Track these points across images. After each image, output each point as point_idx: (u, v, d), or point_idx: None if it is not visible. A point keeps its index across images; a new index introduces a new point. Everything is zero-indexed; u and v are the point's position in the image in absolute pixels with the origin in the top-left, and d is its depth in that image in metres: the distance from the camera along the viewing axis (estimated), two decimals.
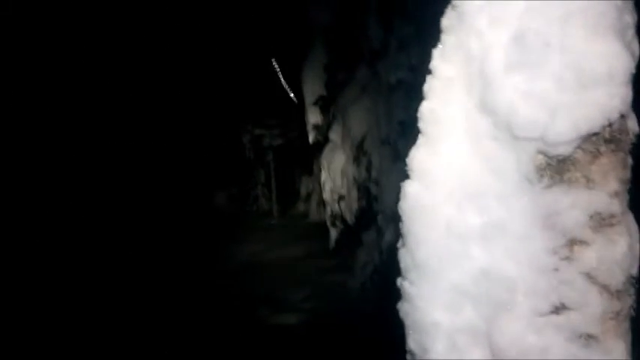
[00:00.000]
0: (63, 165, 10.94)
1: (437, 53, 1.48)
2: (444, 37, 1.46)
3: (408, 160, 1.51)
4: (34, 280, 8.02)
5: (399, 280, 1.54)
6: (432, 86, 1.48)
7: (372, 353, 5.49)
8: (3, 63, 9.22)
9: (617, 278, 1.31)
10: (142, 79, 12.66)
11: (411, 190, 1.48)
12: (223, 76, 13.81)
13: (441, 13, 1.50)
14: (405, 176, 1.56)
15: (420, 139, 1.50)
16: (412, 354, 1.49)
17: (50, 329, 6.53)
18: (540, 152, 1.32)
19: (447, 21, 1.45)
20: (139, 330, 6.56)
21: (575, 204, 1.31)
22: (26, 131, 10.02)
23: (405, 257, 1.51)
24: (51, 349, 6.09)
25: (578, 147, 1.30)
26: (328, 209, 8.54)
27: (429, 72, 1.50)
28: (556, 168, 1.33)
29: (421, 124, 1.49)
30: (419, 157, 1.48)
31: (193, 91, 13.81)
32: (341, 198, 8.04)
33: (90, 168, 11.61)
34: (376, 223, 6.87)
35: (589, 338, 1.32)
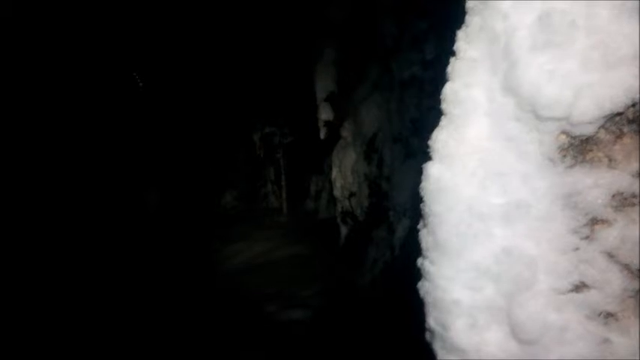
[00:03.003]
0: (69, 164, 10.98)
1: (461, 35, 1.49)
2: (467, 18, 1.47)
3: (431, 142, 1.53)
4: (40, 281, 8.07)
5: (419, 260, 1.55)
6: (455, 67, 1.49)
7: (381, 349, 5.51)
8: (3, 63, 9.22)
9: (637, 257, 1.32)
10: (152, 77, 12.72)
11: (434, 171, 1.50)
12: (233, 74, 13.84)
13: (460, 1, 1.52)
14: (420, 167, 1.58)
15: (443, 121, 1.51)
16: (432, 332, 1.50)
17: (58, 332, 6.56)
18: (563, 132, 1.34)
19: (471, 2, 1.47)
20: (149, 328, 6.61)
21: (597, 184, 1.32)
22: (30, 132, 10.01)
23: (426, 237, 1.53)
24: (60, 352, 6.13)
25: (602, 127, 1.32)
26: (339, 206, 8.55)
27: (453, 53, 1.51)
28: (579, 148, 1.34)
29: (444, 106, 1.51)
30: (441, 138, 1.50)
31: (204, 89, 13.85)
32: (352, 195, 8.04)
33: (98, 166, 11.66)
34: (387, 219, 6.88)
35: (608, 316, 1.33)
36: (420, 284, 1.54)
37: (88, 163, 11.41)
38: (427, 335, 1.53)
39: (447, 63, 1.56)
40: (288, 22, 11.10)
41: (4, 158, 9.45)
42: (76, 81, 10.99)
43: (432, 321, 1.49)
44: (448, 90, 1.50)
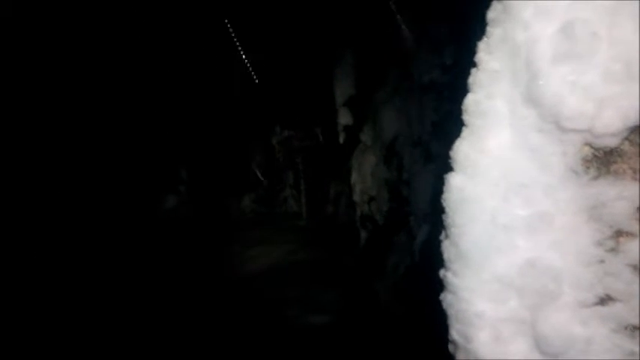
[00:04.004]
0: (86, 167, 11.06)
1: (482, 45, 1.49)
2: (489, 29, 1.47)
3: (452, 152, 1.53)
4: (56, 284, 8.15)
5: (442, 272, 1.55)
6: (476, 78, 1.49)
7: (402, 357, 5.49)
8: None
9: None
10: (172, 80, 12.80)
11: (456, 182, 1.50)
12: (253, 78, 13.91)
13: (484, 7, 1.52)
14: (442, 172, 1.58)
15: (465, 131, 1.51)
16: (455, 344, 1.50)
17: (75, 334, 6.63)
18: (587, 144, 1.33)
19: (492, 13, 1.46)
20: (168, 330, 6.65)
21: (622, 195, 1.31)
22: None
23: (448, 249, 1.53)
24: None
25: (625, 138, 1.30)
26: (358, 211, 8.54)
27: (474, 64, 1.51)
28: (602, 160, 1.33)
29: (465, 116, 1.50)
30: (463, 149, 1.50)
31: (224, 93, 13.93)
32: (371, 199, 8.03)
33: (114, 169, 11.74)
34: (407, 224, 6.85)
35: (634, 329, 1.32)
36: (442, 296, 1.54)
37: (106, 166, 11.50)
38: (450, 347, 1.53)
39: (467, 68, 1.56)
40: (308, 27, 11.13)
41: (12, 159, 9.54)
42: (94, 81, 11.07)
43: (455, 333, 1.49)
44: (470, 101, 1.50)
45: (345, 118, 8.95)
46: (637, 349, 1.31)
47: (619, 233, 1.32)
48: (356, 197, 8.46)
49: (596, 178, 1.33)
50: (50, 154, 10.15)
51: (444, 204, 1.53)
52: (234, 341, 6.36)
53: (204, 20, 12.40)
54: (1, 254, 8.06)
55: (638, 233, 1.31)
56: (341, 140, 9.13)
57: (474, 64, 1.51)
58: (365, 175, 8.17)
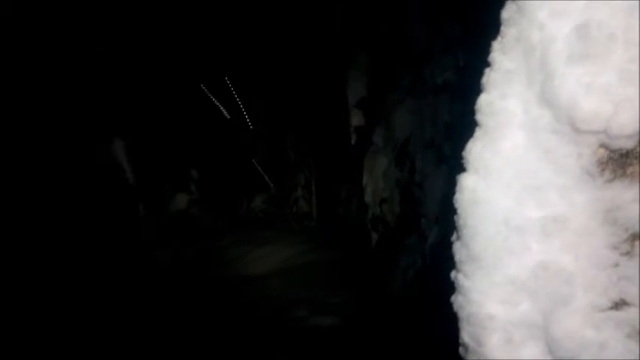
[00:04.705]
0: (97, 167, 11.12)
1: (496, 46, 1.47)
2: (503, 29, 1.46)
3: (465, 153, 1.51)
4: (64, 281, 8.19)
5: (453, 273, 1.54)
6: (490, 79, 1.47)
7: (411, 357, 5.46)
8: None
9: None
10: (182, 80, 12.85)
11: (468, 183, 1.48)
12: (265, 79, 13.92)
13: (499, 6, 1.50)
14: (454, 173, 1.57)
15: (478, 132, 1.50)
16: (465, 347, 1.49)
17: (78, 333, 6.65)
18: (602, 146, 1.31)
19: (506, 12, 1.45)
20: (175, 330, 6.67)
21: (638, 198, 1.29)
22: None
23: (459, 250, 1.51)
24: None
25: None
26: (369, 212, 8.51)
27: (487, 64, 1.49)
28: (618, 162, 1.31)
29: (479, 117, 1.49)
30: (476, 150, 1.48)
31: (236, 93, 13.96)
32: (383, 201, 8.01)
33: (124, 168, 11.80)
34: (419, 226, 6.83)
35: None
36: (453, 298, 1.53)
37: (117, 166, 11.56)
38: (461, 350, 1.52)
39: (480, 69, 1.55)
40: (320, 28, 11.12)
41: (20, 158, 9.59)
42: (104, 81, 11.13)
43: (465, 336, 1.48)
44: (483, 101, 1.48)
45: (357, 119, 8.94)
46: None
47: (634, 237, 1.30)
48: (367, 199, 8.44)
49: (611, 180, 1.31)
50: (57, 152, 10.23)
51: (456, 205, 1.52)
52: (242, 341, 6.36)
53: (214, 19, 12.44)
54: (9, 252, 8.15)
55: None
56: (353, 141, 9.12)
57: (487, 64, 1.50)
58: (377, 177, 8.15)
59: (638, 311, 1.29)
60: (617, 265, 1.31)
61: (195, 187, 13.80)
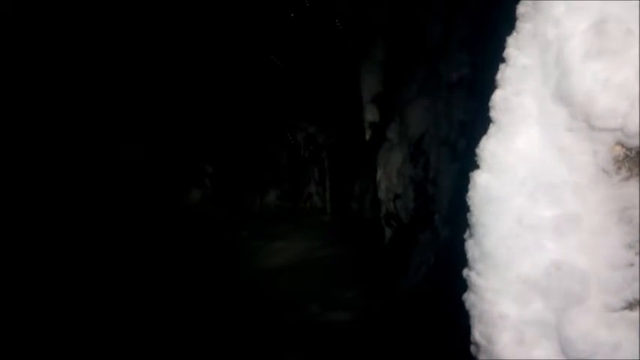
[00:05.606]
0: (110, 163, 11.18)
1: (511, 41, 1.45)
2: (518, 24, 1.44)
3: (479, 150, 1.49)
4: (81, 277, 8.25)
5: (465, 271, 1.52)
6: (505, 75, 1.45)
7: (423, 354, 5.44)
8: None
9: None
10: (198, 76, 12.88)
11: (481, 180, 1.47)
12: (280, 74, 13.93)
13: (514, 1, 1.48)
14: (467, 170, 1.55)
15: (492, 129, 1.48)
16: (477, 345, 1.47)
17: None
18: (618, 143, 1.29)
19: (522, 8, 1.43)
20: (188, 325, 6.70)
21: None
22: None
23: (472, 248, 1.50)
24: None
25: None
26: (383, 208, 8.49)
27: (502, 60, 1.48)
28: (635, 160, 1.29)
29: (493, 113, 1.47)
30: (490, 147, 1.46)
31: (250, 88, 13.97)
32: (396, 197, 7.98)
33: (140, 167, 11.86)
34: (432, 223, 6.80)
35: None
36: (465, 296, 1.51)
37: (132, 162, 11.63)
38: (472, 348, 1.50)
39: (495, 65, 1.53)
40: (335, 23, 11.10)
41: (35, 157, 9.67)
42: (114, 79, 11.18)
43: (477, 334, 1.46)
44: (498, 97, 1.47)
45: (371, 114, 8.90)
46: None
47: None
48: (381, 194, 8.42)
49: (627, 178, 1.29)
50: (72, 151, 10.30)
51: (469, 202, 1.50)
52: (255, 336, 6.37)
53: (227, 14, 12.43)
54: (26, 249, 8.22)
55: None
56: (367, 137, 9.09)
57: (502, 60, 1.48)
58: (390, 173, 8.12)
59: None
60: (631, 264, 1.29)
61: (210, 182, 13.86)
